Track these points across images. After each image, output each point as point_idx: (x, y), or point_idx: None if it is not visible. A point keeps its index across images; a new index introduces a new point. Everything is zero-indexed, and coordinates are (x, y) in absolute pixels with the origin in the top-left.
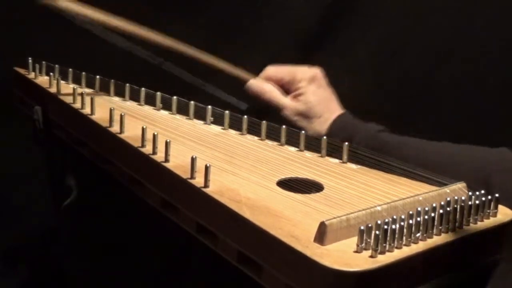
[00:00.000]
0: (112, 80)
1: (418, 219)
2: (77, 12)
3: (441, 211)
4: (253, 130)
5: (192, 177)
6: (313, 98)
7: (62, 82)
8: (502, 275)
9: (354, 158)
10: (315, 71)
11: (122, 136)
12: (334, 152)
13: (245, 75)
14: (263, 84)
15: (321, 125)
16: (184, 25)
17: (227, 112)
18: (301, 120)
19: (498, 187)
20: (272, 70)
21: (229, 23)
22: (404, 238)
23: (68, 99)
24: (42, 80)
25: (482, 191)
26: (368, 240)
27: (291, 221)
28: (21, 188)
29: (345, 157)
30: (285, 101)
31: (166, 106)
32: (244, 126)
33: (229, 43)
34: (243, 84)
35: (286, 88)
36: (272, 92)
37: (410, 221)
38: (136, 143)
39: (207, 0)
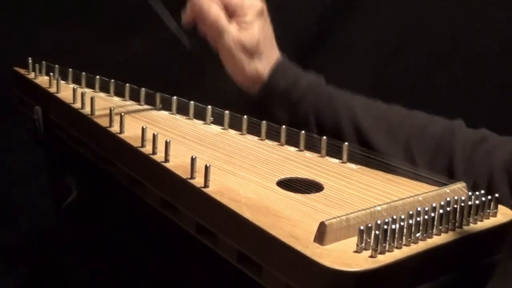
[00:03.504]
0: (112, 80)
1: (418, 219)
2: None
3: (441, 211)
4: (253, 130)
5: (192, 177)
6: (260, 33)
7: (62, 82)
8: (502, 275)
9: (354, 158)
10: (263, 5)
11: (122, 136)
12: (334, 152)
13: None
14: (209, 4)
15: (263, 65)
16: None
17: (227, 112)
18: (242, 54)
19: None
20: None
21: None
22: (404, 238)
23: (68, 99)
24: (42, 80)
25: (482, 191)
26: (368, 240)
27: (291, 221)
28: (21, 188)
29: (345, 157)
30: (231, 29)
31: (166, 106)
32: (244, 126)
33: None
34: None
35: (230, 12)
36: (219, 16)
37: (410, 221)
38: (136, 143)
39: None
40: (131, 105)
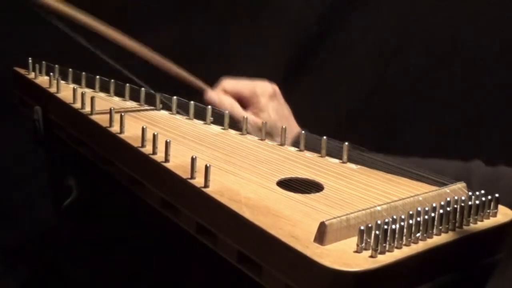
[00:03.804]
0: (112, 80)
1: (418, 219)
2: (66, 13)
3: (441, 211)
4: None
5: (192, 177)
6: (274, 115)
7: (62, 82)
8: (502, 275)
9: (354, 158)
10: (274, 87)
11: (122, 136)
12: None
13: (201, 84)
14: (222, 97)
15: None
16: (183, 26)
17: (227, 112)
18: (262, 136)
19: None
20: (230, 83)
21: (228, 23)
22: (404, 238)
23: (68, 99)
24: (42, 80)
25: (482, 191)
26: (368, 240)
27: (291, 221)
28: (21, 188)
29: (345, 157)
30: (246, 116)
31: (166, 106)
32: (244, 126)
33: (229, 44)
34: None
35: (245, 102)
36: (233, 106)
37: (410, 221)
38: (136, 143)
39: (206, 0)
40: (131, 105)
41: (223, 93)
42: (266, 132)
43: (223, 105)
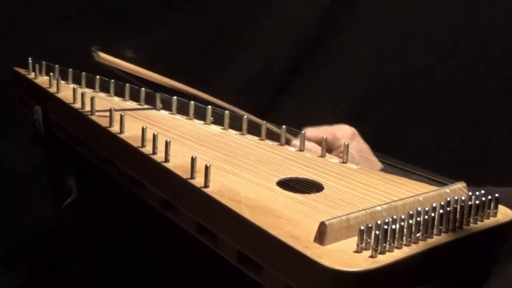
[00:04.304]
0: (112, 80)
1: (418, 219)
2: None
3: (441, 211)
4: (253, 130)
5: (192, 177)
6: (357, 154)
7: (62, 82)
8: (502, 274)
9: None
10: (353, 129)
11: (122, 136)
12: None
13: (237, 110)
14: (306, 143)
15: None
16: (183, 26)
17: (227, 112)
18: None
19: None
20: (312, 131)
21: (228, 23)
22: (404, 238)
23: (68, 99)
24: (42, 80)
25: (482, 191)
26: (368, 240)
27: (291, 221)
28: (21, 188)
29: (345, 157)
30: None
31: (166, 106)
32: (244, 126)
33: (229, 44)
34: None
35: (328, 147)
36: (317, 151)
37: (410, 221)
38: (136, 143)
39: (206, 0)
40: (131, 105)
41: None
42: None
43: (308, 152)
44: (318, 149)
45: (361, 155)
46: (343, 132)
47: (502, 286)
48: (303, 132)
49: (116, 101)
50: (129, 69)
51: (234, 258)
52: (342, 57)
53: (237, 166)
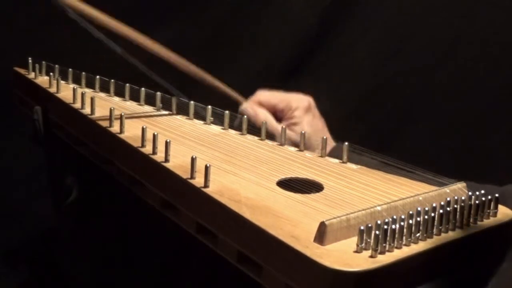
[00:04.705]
0: (112, 80)
1: (418, 219)
2: (84, 13)
3: (441, 211)
4: (253, 130)
5: (192, 177)
6: (309, 129)
7: (62, 82)
8: (502, 274)
9: (354, 158)
10: (309, 100)
11: (122, 136)
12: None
13: (236, 95)
14: (257, 109)
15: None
16: (183, 25)
17: (227, 112)
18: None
19: None
20: (265, 95)
21: (228, 23)
22: (404, 238)
23: (68, 99)
24: (42, 80)
25: (482, 191)
26: (368, 240)
27: (291, 221)
28: (21, 188)
29: (345, 157)
30: (281, 130)
31: (166, 106)
32: (244, 126)
33: (229, 44)
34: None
35: (279, 115)
36: (267, 119)
37: (410, 221)
38: (136, 143)
39: (206, 0)
40: (131, 105)
41: (257, 105)
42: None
43: (258, 118)
44: (269, 117)
45: (314, 130)
46: (298, 103)
47: (502, 286)
48: (302, 132)
49: (116, 101)
50: (99, 20)
51: (234, 258)
52: (342, 57)
53: (237, 166)
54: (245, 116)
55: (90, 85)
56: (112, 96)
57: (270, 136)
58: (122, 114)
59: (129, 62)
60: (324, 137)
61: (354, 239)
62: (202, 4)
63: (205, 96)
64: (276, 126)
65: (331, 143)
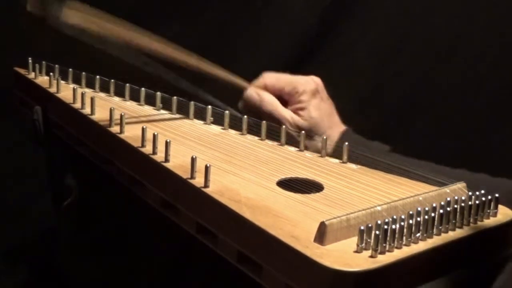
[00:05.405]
0: (112, 80)
1: (418, 219)
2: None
3: (441, 211)
4: (253, 130)
5: (192, 177)
6: (316, 114)
7: (62, 82)
8: (502, 274)
9: (354, 158)
10: (317, 82)
11: (122, 136)
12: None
13: (240, 81)
14: (262, 94)
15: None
16: (183, 25)
17: (227, 112)
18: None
19: None
20: (271, 78)
21: (228, 23)
22: (404, 238)
23: (68, 99)
24: (42, 80)
25: (482, 191)
26: (368, 240)
27: (291, 221)
28: (21, 188)
29: (345, 157)
30: (287, 115)
31: (166, 106)
32: (244, 126)
33: (229, 44)
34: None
35: (286, 99)
36: (273, 104)
37: (410, 221)
38: (136, 143)
39: (206, 0)
40: (131, 105)
41: (263, 89)
42: (305, 131)
43: (263, 104)
44: (275, 102)
45: (322, 114)
46: (305, 86)
47: (502, 287)
48: (302, 132)
49: (116, 101)
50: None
51: (234, 258)
52: (342, 57)
53: (237, 166)
54: (246, 116)
55: (90, 85)
56: (112, 96)
57: (276, 124)
58: (122, 114)
59: (156, 74)
60: (324, 137)
61: (354, 239)
62: (202, 4)
63: (218, 89)
64: (283, 113)
65: (341, 127)
